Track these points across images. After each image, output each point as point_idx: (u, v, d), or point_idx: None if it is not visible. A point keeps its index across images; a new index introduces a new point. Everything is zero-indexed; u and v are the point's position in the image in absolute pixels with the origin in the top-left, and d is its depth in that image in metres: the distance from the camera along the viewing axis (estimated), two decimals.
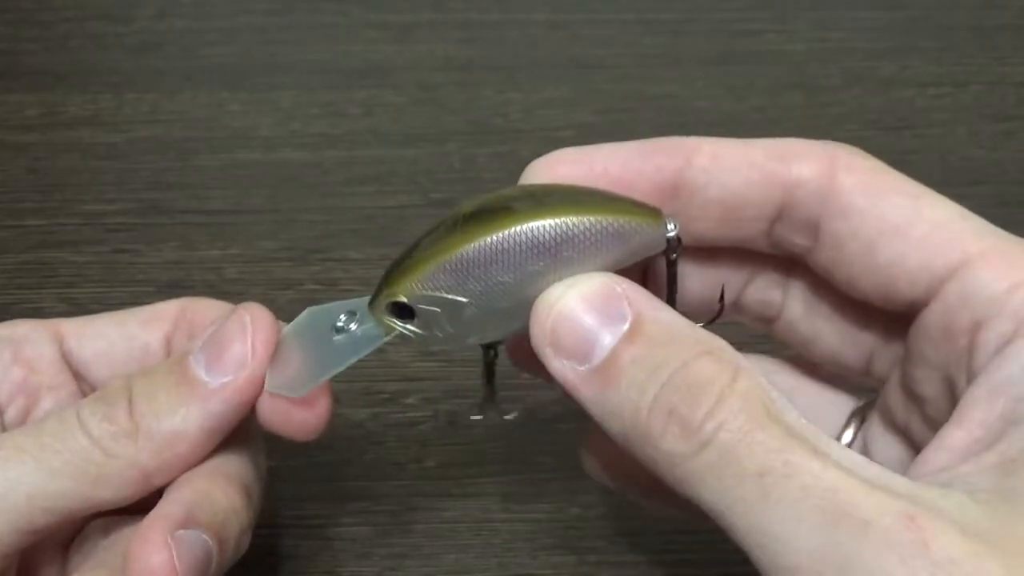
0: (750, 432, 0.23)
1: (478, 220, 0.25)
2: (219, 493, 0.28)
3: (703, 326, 0.25)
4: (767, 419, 0.23)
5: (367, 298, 0.27)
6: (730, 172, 0.27)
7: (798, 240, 0.27)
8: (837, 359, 0.29)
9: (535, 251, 0.25)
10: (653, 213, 0.26)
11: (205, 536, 0.27)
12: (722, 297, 0.28)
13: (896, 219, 0.26)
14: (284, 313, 0.42)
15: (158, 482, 0.28)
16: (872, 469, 0.23)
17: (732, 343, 0.25)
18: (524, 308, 0.26)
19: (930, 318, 0.26)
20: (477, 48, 0.54)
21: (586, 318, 0.25)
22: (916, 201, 0.26)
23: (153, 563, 0.26)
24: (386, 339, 0.27)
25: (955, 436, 0.24)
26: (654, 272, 0.28)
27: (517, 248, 0.25)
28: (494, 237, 0.25)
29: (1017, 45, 0.54)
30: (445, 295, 0.26)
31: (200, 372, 0.28)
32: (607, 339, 0.24)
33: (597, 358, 0.24)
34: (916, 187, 0.26)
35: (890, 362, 0.28)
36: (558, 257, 0.25)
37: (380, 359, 0.41)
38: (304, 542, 0.36)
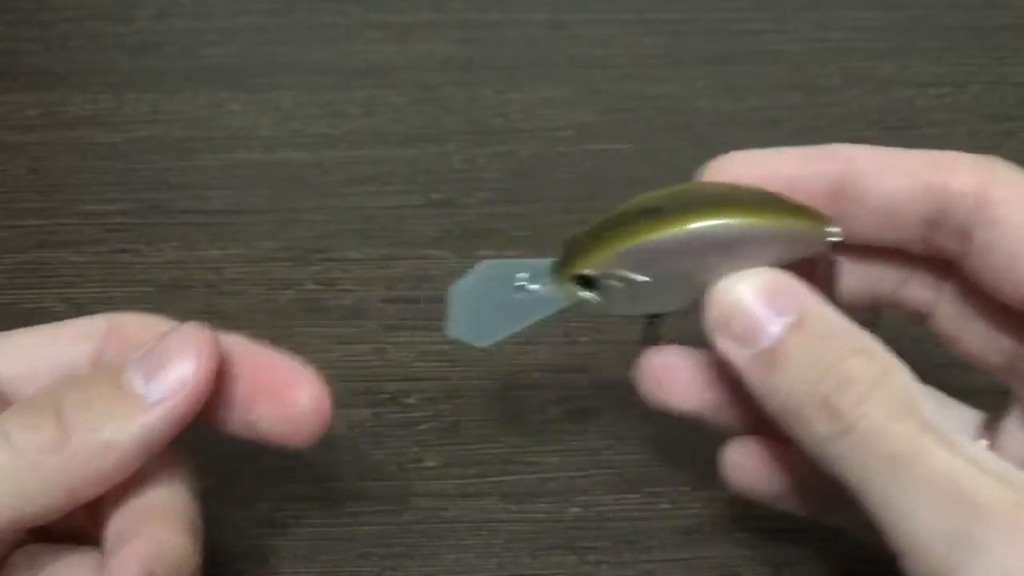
0: (888, 422, 0.26)
1: (668, 212, 0.29)
2: (173, 540, 0.28)
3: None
4: (905, 412, 0.26)
5: (545, 261, 0.30)
6: (889, 180, 0.29)
7: (951, 245, 0.29)
8: (982, 358, 0.31)
9: (715, 246, 0.28)
10: (820, 217, 0.29)
11: None
12: (877, 309, 0.32)
13: None
14: (284, 313, 0.42)
15: (85, 496, 0.28)
16: (998, 464, 0.25)
17: None
18: (695, 291, 0.29)
19: None
20: (477, 48, 0.54)
21: (757, 307, 0.28)
22: None
23: None
24: (565, 304, 0.30)
25: None
26: (815, 267, 0.30)
27: (699, 242, 0.28)
28: (681, 230, 0.28)
29: (1017, 45, 0.54)
30: (629, 274, 0.29)
31: (138, 385, 0.28)
32: (774, 328, 0.28)
33: (764, 344, 0.28)
34: None
35: None
36: (734, 253, 0.29)
37: (380, 359, 0.41)
38: (304, 542, 0.36)
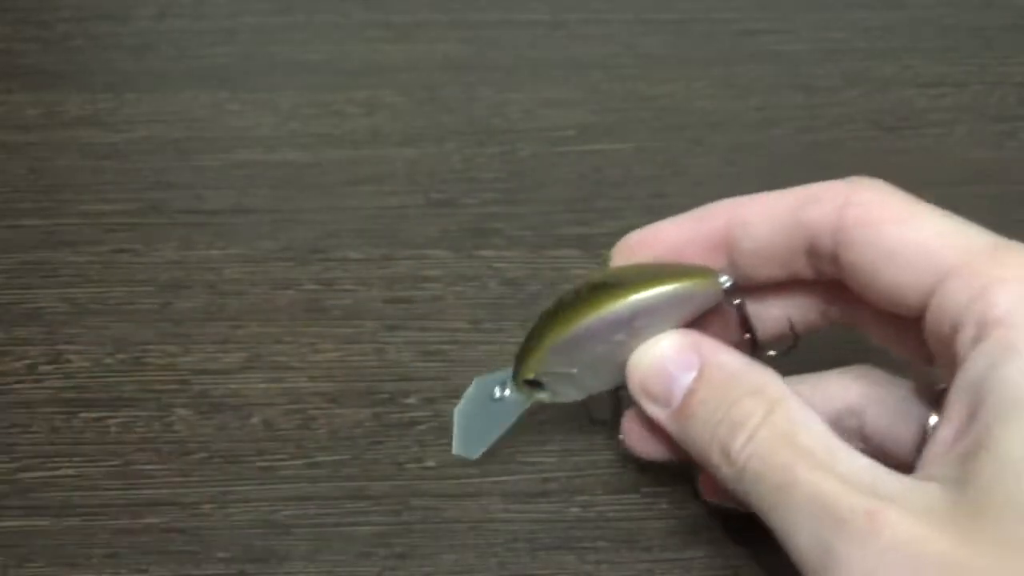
0: (771, 457, 0.29)
1: (571, 309, 0.32)
2: None
3: (781, 354, 0.33)
4: (785, 443, 0.29)
5: (510, 370, 0.34)
6: (759, 226, 0.32)
7: (830, 270, 0.32)
8: (913, 357, 0.32)
9: (616, 324, 0.32)
10: (708, 271, 0.32)
11: None
12: (792, 328, 0.34)
13: (887, 248, 0.30)
14: (284, 313, 0.42)
15: None
16: (873, 475, 0.28)
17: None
18: (622, 365, 0.33)
19: (927, 328, 0.30)
20: (477, 48, 0.54)
21: (665, 370, 0.32)
22: (903, 227, 0.30)
23: None
24: (527, 405, 0.35)
25: (941, 430, 0.28)
26: (722, 315, 0.33)
27: (601, 326, 0.32)
28: (582, 322, 0.32)
29: (1017, 45, 0.54)
30: (559, 369, 0.33)
31: None
32: (684, 383, 0.31)
33: (676, 401, 0.32)
34: (907, 211, 0.30)
35: None
36: (637, 324, 0.32)
37: (379, 359, 0.41)
38: (304, 542, 0.36)
